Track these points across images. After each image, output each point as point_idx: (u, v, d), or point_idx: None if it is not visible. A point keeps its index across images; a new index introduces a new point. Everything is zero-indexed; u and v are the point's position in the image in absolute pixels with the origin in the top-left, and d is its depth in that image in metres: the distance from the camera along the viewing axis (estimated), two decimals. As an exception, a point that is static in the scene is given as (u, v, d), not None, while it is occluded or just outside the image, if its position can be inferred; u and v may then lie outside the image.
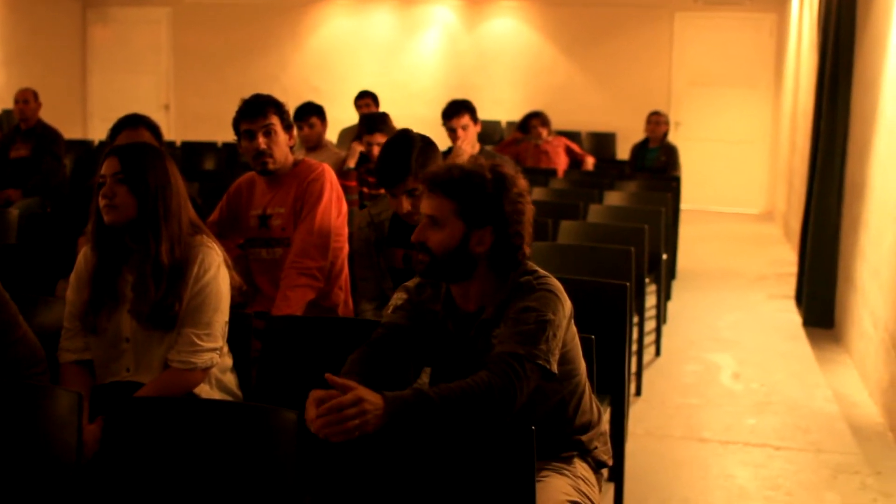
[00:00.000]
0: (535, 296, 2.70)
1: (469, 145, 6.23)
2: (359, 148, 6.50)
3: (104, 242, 3.18)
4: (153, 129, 4.47)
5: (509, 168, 2.82)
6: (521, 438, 2.43)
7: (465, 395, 2.45)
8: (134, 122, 4.44)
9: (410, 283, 3.22)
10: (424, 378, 3.08)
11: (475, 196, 2.72)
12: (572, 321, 2.82)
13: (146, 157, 3.18)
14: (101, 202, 3.13)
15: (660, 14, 13.47)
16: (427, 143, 3.85)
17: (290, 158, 4.35)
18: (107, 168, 3.15)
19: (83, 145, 11.03)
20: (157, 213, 3.13)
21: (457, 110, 6.32)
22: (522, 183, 2.80)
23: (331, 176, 4.36)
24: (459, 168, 2.75)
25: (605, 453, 3.01)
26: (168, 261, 3.11)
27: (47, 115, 8.61)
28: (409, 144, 3.80)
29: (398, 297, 3.28)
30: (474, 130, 6.32)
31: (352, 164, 6.52)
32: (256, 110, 4.23)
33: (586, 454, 2.93)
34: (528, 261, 2.83)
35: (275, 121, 4.23)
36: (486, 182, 2.72)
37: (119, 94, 14.65)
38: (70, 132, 10.67)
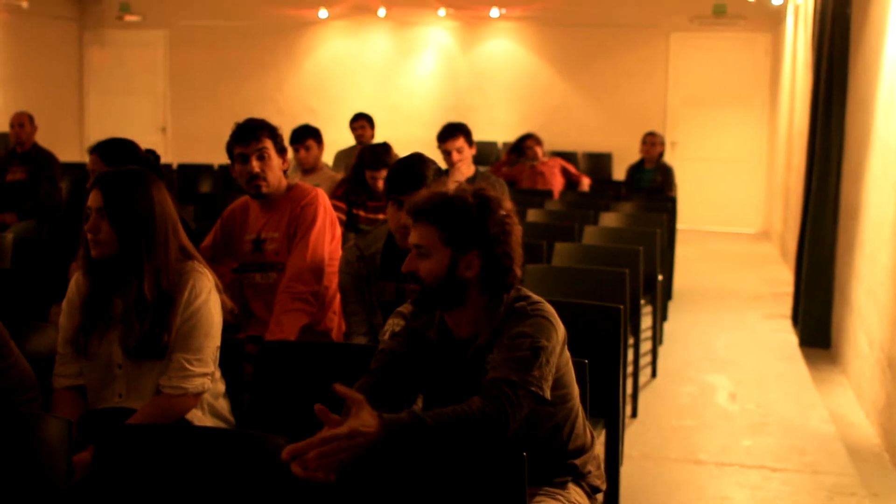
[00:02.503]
0: (529, 322, 2.69)
1: (465, 167, 6.24)
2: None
3: (94, 271, 3.18)
4: (111, 156, 4.17)
5: (494, 190, 2.82)
6: (512, 464, 2.43)
7: (459, 420, 2.45)
8: (91, 150, 4.26)
9: (405, 309, 3.21)
10: (419, 404, 3.08)
11: (458, 221, 2.71)
12: (566, 346, 2.82)
13: (130, 188, 3.13)
14: (88, 236, 3.11)
15: (655, 34, 13.52)
16: (439, 169, 3.89)
17: (284, 182, 4.35)
18: (92, 200, 3.13)
19: (79, 168, 11.01)
20: (139, 250, 3.10)
21: (451, 133, 6.33)
22: (508, 204, 2.80)
23: (324, 200, 4.36)
24: (441, 195, 2.75)
25: (598, 478, 3.01)
26: (152, 296, 3.09)
27: (43, 137, 8.63)
28: (427, 161, 3.86)
29: (395, 323, 3.27)
30: (469, 153, 6.33)
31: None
32: (249, 134, 4.24)
33: (580, 479, 2.93)
34: (520, 286, 2.83)
35: (268, 144, 4.24)
36: (468, 206, 2.72)
37: (116, 116, 14.66)
38: (66, 155, 10.68)
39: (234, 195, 7.44)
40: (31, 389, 3.14)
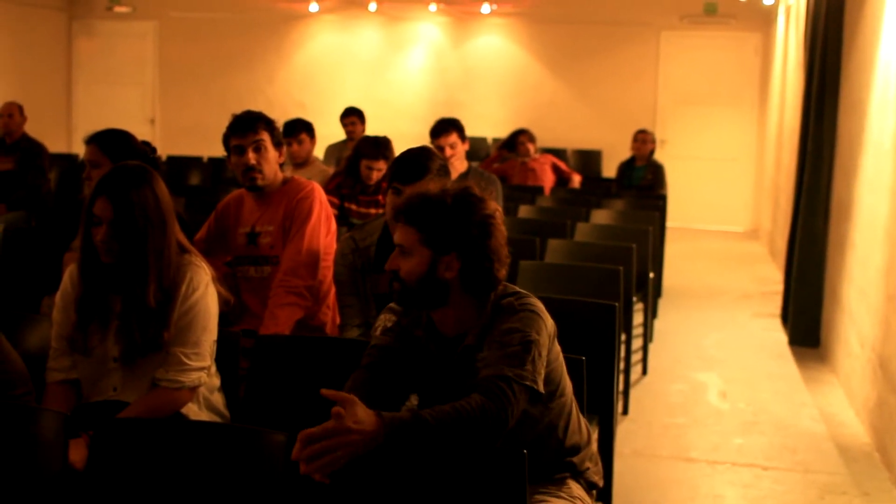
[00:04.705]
0: (517, 316, 2.68)
1: (458, 163, 6.22)
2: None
3: (95, 273, 3.13)
4: (110, 148, 4.09)
5: (480, 189, 2.80)
6: (513, 463, 2.41)
7: (460, 417, 2.44)
8: (88, 141, 4.17)
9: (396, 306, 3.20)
10: (414, 401, 3.06)
11: (437, 223, 2.70)
12: (555, 340, 2.81)
13: (137, 197, 3.07)
14: (100, 246, 3.07)
15: (646, 32, 13.53)
16: (445, 165, 3.89)
17: (280, 176, 4.33)
18: (100, 210, 3.06)
19: (67, 159, 10.97)
20: (145, 258, 3.06)
21: (445, 128, 6.31)
22: (491, 205, 2.78)
23: (320, 194, 4.34)
24: (421, 195, 2.75)
25: (596, 474, 3.00)
26: (155, 301, 3.06)
27: (31, 127, 8.57)
28: (433, 155, 3.86)
29: (387, 319, 3.26)
30: (462, 149, 6.32)
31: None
32: (247, 126, 4.21)
33: (578, 476, 2.92)
34: (506, 282, 2.81)
35: (265, 137, 4.21)
36: (446, 208, 2.71)
37: (104, 107, 14.58)
38: (54, 145, 10.61)
39: (223, 188, 7.40)
40: (25, 384, 3.10)
